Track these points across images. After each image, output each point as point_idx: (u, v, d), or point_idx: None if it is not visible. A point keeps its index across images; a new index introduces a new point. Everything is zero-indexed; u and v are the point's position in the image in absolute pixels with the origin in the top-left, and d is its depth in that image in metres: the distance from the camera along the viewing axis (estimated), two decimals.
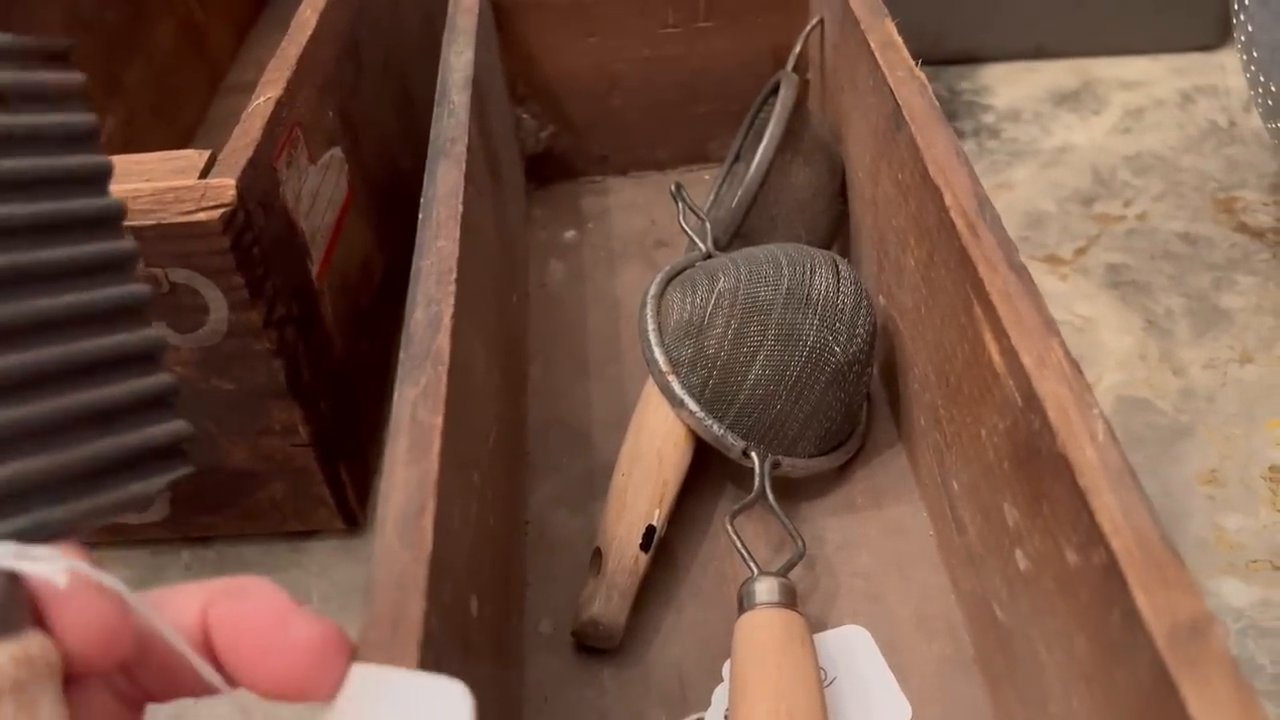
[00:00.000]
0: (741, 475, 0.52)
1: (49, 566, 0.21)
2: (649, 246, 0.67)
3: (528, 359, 0.60)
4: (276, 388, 0.46)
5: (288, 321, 0.46)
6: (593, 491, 0.52)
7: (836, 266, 0.49)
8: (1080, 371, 0.35)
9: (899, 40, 0.52)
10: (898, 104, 0.48)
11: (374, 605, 0.30)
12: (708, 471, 0.52)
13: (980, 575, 0.42)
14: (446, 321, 0.39)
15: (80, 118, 0.24)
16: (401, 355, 0.38)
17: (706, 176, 0.72)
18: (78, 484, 0.22)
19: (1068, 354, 0.36)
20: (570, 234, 0.69)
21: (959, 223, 0.41)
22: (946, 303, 0.43)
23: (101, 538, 0.53)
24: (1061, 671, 0.35)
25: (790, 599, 0.43)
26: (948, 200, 0.42)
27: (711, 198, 0.65)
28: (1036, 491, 0.35)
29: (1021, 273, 0.39)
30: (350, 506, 0.52)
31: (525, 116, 0.69)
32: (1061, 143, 0.75)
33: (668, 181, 0.71)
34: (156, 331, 0.24)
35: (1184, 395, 0.55)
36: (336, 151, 0.54)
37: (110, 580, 0.22)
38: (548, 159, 0.71)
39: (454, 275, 0.42)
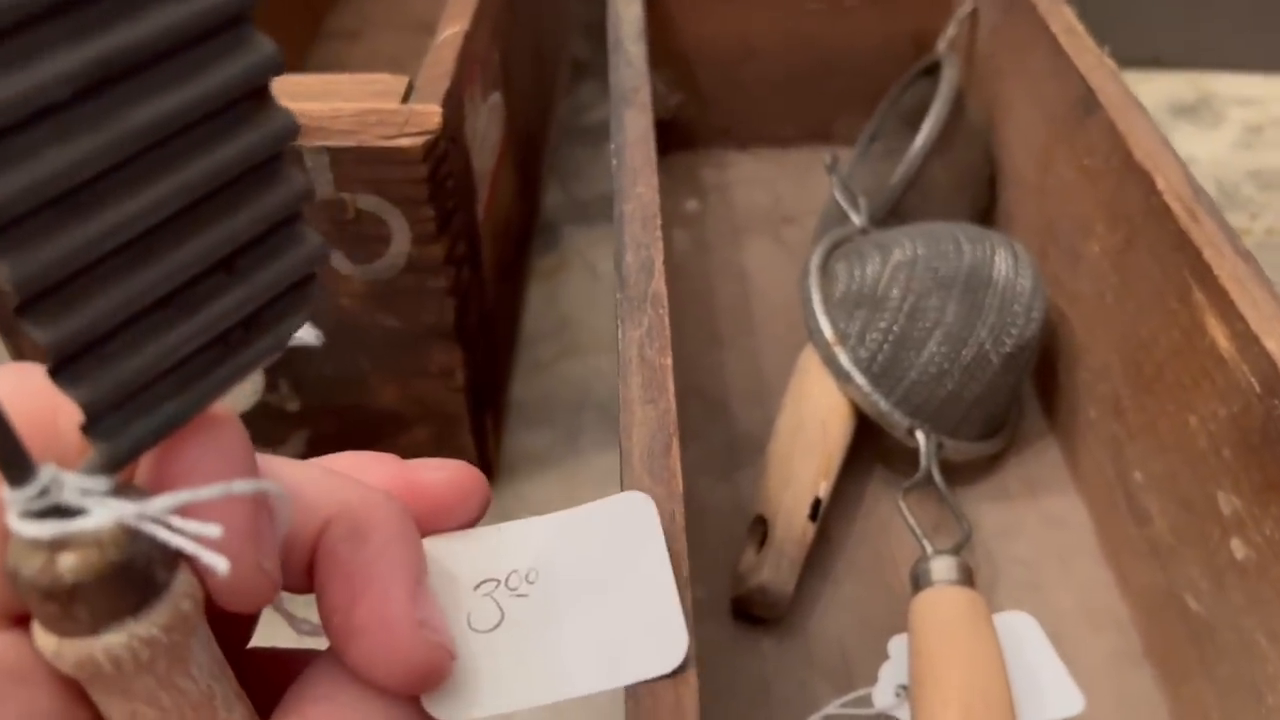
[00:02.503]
0: (892, 453, 0.51)
1: (200, 544, 0.17)
2: (775, 222, 0.66)
3: None
4: (443, 328, 0.45)
5: (464, 261, 0.45)
6: (736, 461, 0.51)
7: (1014, 249, 0.48)
8: None
9: (1080, 26, 0.51)
10: (1090, 89, 0.47)
11: None
12: (856, 447, 0.51)
13: (1167, 567, 0.41)
14: (659, 265, 0.39)
15: None
16: (618, 296, 0.37)
17: (828, 158, 0.71)
18: (203, 354, 0.18)
19: None
20: (692, 204, 0.68)
21: (1175, 207, 0.40)
22: (1149, 289, 0.42)
23: None
24: None
25: (969, 578, 0.42)
26: (1160, 185, 0.41)
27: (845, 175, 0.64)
28: (1272, 478, 0.35)
29: (1249, 258, 0.38)
30: (489, 456, 0.51)
31: (657, 82, 0.67)
32: (1182, 154, 0.74)
33: (789, 159, 0.71)
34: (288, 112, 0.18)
35: None
36: (498, 96, 0.53)
37: (266, 487, 0.18)
38: (671, 127, 0.69)
39: (659, 220, 0.41)
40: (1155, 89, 0.80)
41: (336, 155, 0.40)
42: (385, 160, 0.40)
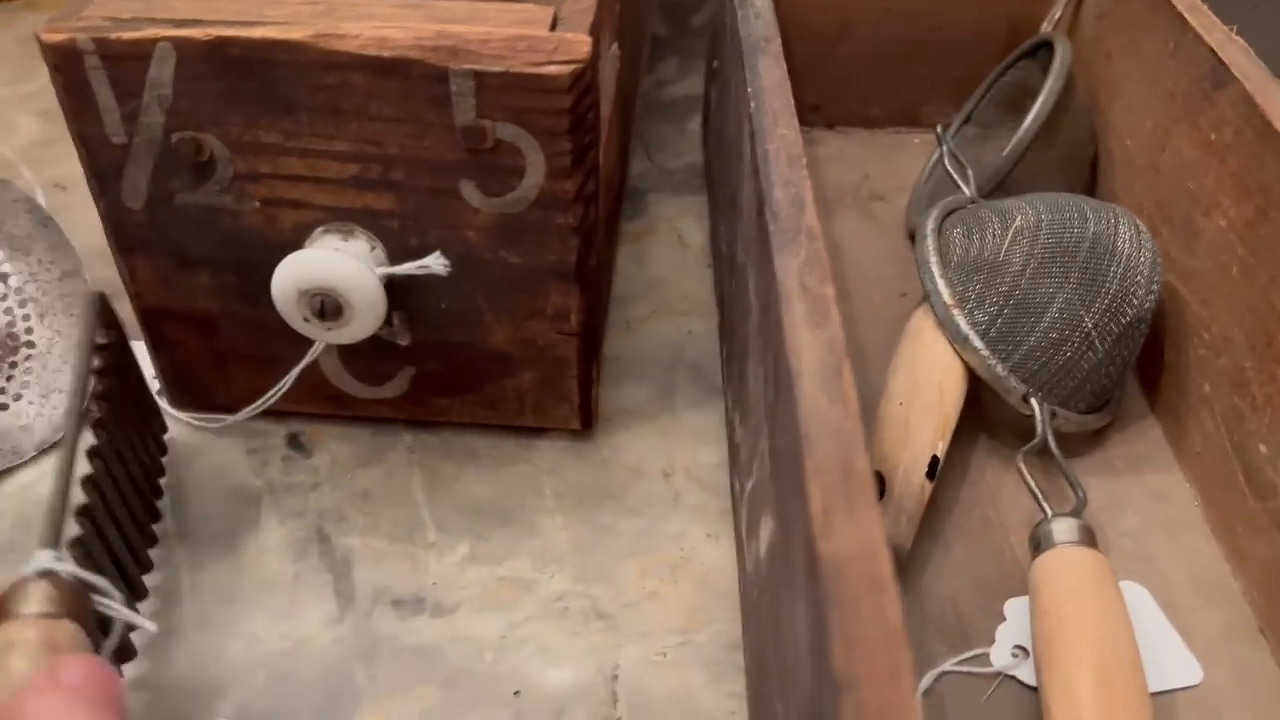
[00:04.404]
0: (997, 424, 0.50)
1: None
2: (864, 199, 0.66)
3: None
4: (563, 268, 0.45)
5: (591, 200, 0.44)
6: None
7: (1135, 223, 0.48)
8: None
9: (1203, 4, 0.51)
10: (1222, 62, 0.47)
11: (815, 455, 0.29)
12: (962, 414, 0.50)
13: None
14: (809, 200, 0.38)
15: None
16: (771, 229, 0.37)
17: (916, 140, 0.71)
18: None
19: None
20: None
21: None
22: None
23: (326, 409, 0.51)
24: None
25: (1092, 539, 0.42)
26: None
27: (935, 157, 0.64)
28: None
29: None
30: (590, 406, 0.51)
31: None
32: None
33: (875, 139, 0.71)
34: None
35: None
36: (615, 48, 0.52)
37: None
38: None
39: (804, 160, 0.40)
40: None
41: (482, 80, 0.40)
42: (531, 88, 0.40)
